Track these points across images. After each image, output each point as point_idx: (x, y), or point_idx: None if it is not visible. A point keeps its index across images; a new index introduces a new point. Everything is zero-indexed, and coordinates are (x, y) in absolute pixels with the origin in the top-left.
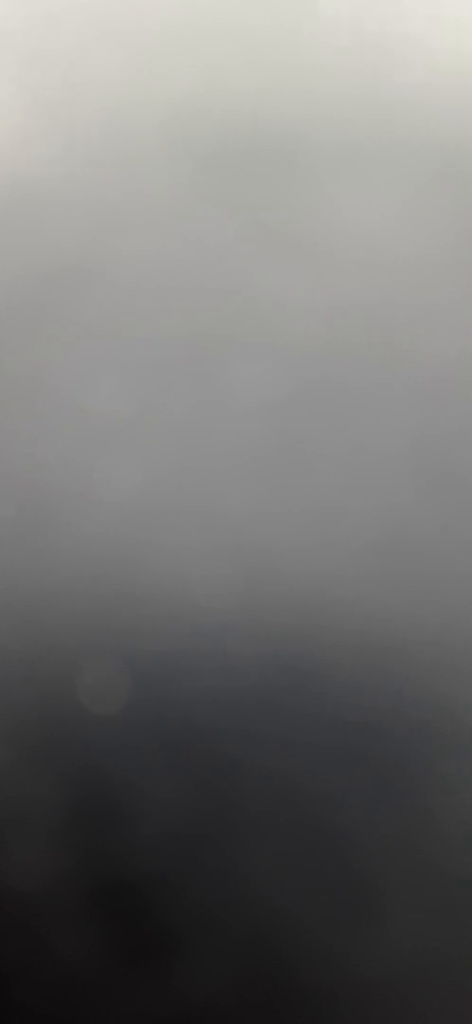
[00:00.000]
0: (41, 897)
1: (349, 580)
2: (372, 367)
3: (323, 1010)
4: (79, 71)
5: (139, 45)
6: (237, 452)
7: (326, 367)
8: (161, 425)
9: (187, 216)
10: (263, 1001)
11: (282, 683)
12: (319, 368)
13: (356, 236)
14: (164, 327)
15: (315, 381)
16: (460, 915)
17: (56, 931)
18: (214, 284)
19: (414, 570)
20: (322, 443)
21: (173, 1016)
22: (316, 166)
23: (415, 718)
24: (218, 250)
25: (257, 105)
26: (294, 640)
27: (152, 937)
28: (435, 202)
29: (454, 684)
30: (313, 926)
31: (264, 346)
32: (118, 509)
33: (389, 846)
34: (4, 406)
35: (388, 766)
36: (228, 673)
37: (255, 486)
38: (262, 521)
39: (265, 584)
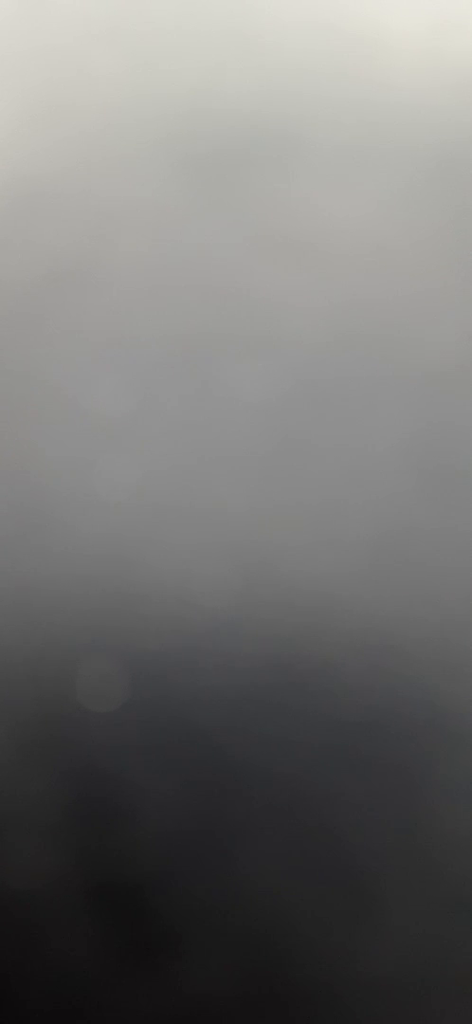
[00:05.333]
0: (41, 896)
1: (349, 578)
2: (370, 364)
3: (323, 1009)
4: (77, 71)
5: (137, 45)
6: (236, 451)
7: (324, 365)
8: (160, 424)
9: (185, 216)
10: (263, 1000)
11: (282, 682)
12: (317, 366)
13: (352, 234)
14: (163, 326)
15: (313, 379)
16: (460, 914)
17: (56, 930)
18: (212, 283)
19: (414, 568)
20: (321, 441)
21: (173, 1015)
22: (312, 165)
23: (415, 717)
24: (216, 249)
25: (254, 105)
26: (294, 639)
27: (152, 936)
28: (430, 199)
29: (453, 683)
30: (313, 925)
31: (262, 345)
32: (118, 508)
33: (389, 845)
34: (4, 406)
35: (388, 766)
36: (228, 672)
37: (254, 485)
38: (261, 520)
39: (265, 583)
